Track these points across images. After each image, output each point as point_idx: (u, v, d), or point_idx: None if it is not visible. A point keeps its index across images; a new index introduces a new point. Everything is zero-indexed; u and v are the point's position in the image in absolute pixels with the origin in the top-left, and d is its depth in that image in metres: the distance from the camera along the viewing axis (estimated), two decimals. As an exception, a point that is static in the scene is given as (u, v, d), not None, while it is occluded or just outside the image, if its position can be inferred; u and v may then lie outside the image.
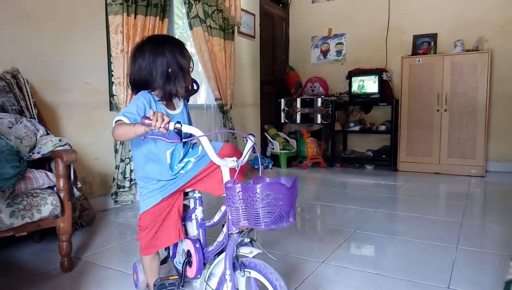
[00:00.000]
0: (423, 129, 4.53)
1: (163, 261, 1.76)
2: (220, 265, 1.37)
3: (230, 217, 1.20)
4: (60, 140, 2.01)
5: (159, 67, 1.38)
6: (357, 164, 5.09)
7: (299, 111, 5.18)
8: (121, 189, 3.09)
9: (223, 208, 1.45)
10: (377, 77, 4.72)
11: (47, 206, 1.80)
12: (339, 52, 5.47)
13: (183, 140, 1.25)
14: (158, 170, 1.45)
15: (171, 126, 1.16)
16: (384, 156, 4.83)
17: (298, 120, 5.23)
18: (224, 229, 1.40)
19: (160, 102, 1.42)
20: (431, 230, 2.48)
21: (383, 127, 4.86)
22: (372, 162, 4.97)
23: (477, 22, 4.50)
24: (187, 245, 1.57)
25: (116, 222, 2.76)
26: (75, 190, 2.05)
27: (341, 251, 2.15)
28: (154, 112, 1.14)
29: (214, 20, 3.98)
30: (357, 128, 5.02)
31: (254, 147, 1.33)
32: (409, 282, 1.75)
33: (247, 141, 1.34)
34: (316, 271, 1.88)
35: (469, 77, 4.27)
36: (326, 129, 5.20)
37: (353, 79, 4.88)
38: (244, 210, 1.14)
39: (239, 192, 1.14)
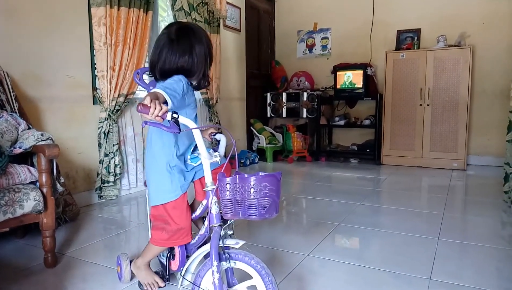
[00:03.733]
0: (406, 124, 4.60)
1: None
2: (198, 259, 1.40)
3: (220, 209, 1.23)
4: (42, 135, 1.97)
5: (201, 55, 1.40)
6: (342, 158, 5.14)
7: (285, 105, 5.20)
8: (106, 184, 3.06)
9: (204, 201, 1.47)
10: (361, 72, 4.76)
11: (30, 202, 1.77)
12: (324, 47, 5.50)
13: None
14: (166, 151, 1.44)
15: (169, 116, 1.15)
16: (368, 150, 4.89)
17: (284, 114, 5.25)
18: (206, 223, 1.41)
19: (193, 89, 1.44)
20: (414, 223, 2.54)
21: (367, 122, 4.92)
22: (356, 156, 5.03)
23: (460, 18, 4.57)
24: None
25: (100, 217, 2.74)
26: (58, 185, 2.03)
27: (326, 243, 2.18)
28: (151, 100, 1.09)
29: (199, 13, 3.95)
30: (342, 122, 5.07)
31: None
32: (392, 274, 1.79)
33: (234, 143, 1.36)
34: (301, 264, 1.90)
35: (451, 72, 4.35)
36: (312, 123, 5.23)
37: (338, 73, 4.91)
38: (238, 201, 1.17)
39: (235, 183, 1.16)
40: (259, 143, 5.14)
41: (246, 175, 1.18)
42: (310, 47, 5.60)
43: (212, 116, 4.30)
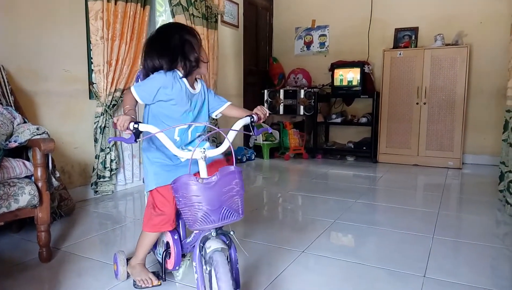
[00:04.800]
0: (403, 122, 4.61)
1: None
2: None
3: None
4: (37, 129, 1.96)
5: (175, 45, 1.48)
6: (338, 156, 5.15)
7: (282, 102, 5.19)
8: (101, 179, 3.05)
9: None
10: (359, 69, 4.76)
11: (25, 196, 1.76)
12: (322, 44, 5.49)
13: (138, 139, 1.32)
14: (150, 146, 1.54)
15: (131, 126, 1.27)
16: (364, 147, 4.90)
17: (281, 112, 5.24)
18: None
19: (184, 79, 1.50)
20: (409, 220, 2.55)
21: (364, 119, 4.92)
22: (353, 153, 5.03)
23: (457, 17, 4.58)
24: (166, 236, 1.59)
25: (96, 212, 2.73)
26: (53, 179, 2.02)
27: (321, 240, 2.19)
28: (118, 117, 1.28)
29: (197, 8, 3.93)
30: (338, 120, 5.07)
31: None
32: (387, 271, 1.80)
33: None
34: (297, 260, 1.91)
35: (448, 71, 4.35)
36: (309, 121, 5.23)
37: (336, 71, 4.91)
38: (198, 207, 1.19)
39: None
40: (256, 140, 5.13)
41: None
42: (308, 44, 5.60)
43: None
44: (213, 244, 1.21)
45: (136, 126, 1.27)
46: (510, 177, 2.58)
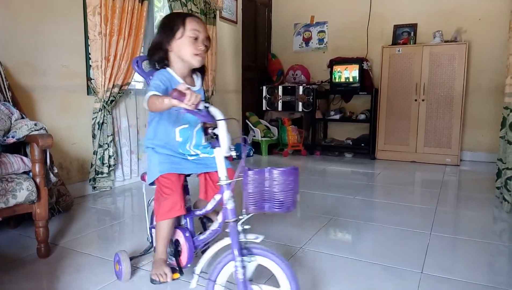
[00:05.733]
0: (401, 119, 4.61)
1: (146, 252, 1.75)
2: (209, 254, 1.33)
3: (244, 202, 1.20)
4: (35, 124, 1.95)
5: (170, 37, 1.45)
6: (336, 152, 5.15)
7: (280, 98, 5.19)
8: (100, 175, 3.05)
9: (217, 196, 1.44)
10: (357, 66, 4.76)
11: (23, 191, 1.76)
12: (321, 40, 5.48)
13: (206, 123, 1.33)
14: (167, 134, 1.51)
15: (201, 105, 1.20)
16: (363, 144, 4.91)
17: (280, 108, 5.24)
18: (219, 217, 1.41)
19: (175, 75, 1.49)
20: (407, 217, 2.56)
21: (362, 116, 4.92)
22: (351, 150, 5.04)
23: (456, 14, 4.58)
24: (176, 234, 1.55)
25: (94, 208, 2.73)
26: (51, 175, 2.01)
27: (320, 236, 2.19)
28: (188, 88, 1.18)
29: (195, 4, 3.92)
30: (337, 116, 5.07)
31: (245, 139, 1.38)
32: (384, 267, 1.80)
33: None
34: (295, 257, 1.91)
35: (447, 68, 4.36)
36: (307, 117, 5.23)
37: (334, 67, 4.91)
38: (264, 194, 1.19)
39: (259, 177, 1.19)
40: (254, 136, 5.13)
41: (258, 169, 1.20)
42: (307, 41, 5.59)
43: (207, 108, 4.28)
44: (258, 236, 1.25)
45: (207, 106, 1.24)
46: (508, 174, 2.59)
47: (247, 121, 5.23)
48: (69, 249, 2.00)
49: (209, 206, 1.48)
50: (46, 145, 1.82)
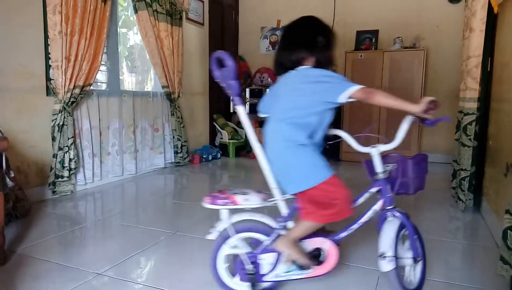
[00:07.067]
0: (364, 122, 4.75)
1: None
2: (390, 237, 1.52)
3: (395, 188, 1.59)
4: (-10, 126, 1.87)
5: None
6: (302, 154, 5.23)
7: (248, 101, 5.21)
8: (60, 179, 2.94)
9: (373, 189, 1.64)
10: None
11: (-24, 197, 1.68)
12: (287, 44, 5.55)
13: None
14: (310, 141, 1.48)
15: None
16: (327, 146, 5.00)
17: (247, 111, 5.26)
18: (376, 207, 1.61)
19: None
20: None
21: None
22: (316, 152, 5.13)
23: (415, 21, 4.78)
24: (315, 242, 1.53)
25: (54, 213, 2.63)
26: (7, 179, 1.93)
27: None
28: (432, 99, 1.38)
29: (160, 4, 3.87)
30: (303, 119, 5.14)
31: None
32: (344, 266, 1.85)
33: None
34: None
35: (406, 73, 4.54)
36: (274, 120, 5.27)
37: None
38: (414, 179, 1.61)
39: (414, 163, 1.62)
40: (222, 138, 5.13)
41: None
42: (273, 44, 5.65)
43: (173, 110, 4.24)
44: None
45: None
46: (462, 175, 2.73)
47: (214, 123, 5.21)
48: (27, 255, 1.92)
49: (361, 199, 1.65)
50: (1, 148, 1.75)
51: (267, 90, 5.04)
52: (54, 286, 1.62)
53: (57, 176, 2.93)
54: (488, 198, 2.59)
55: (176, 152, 4.31)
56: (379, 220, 1.59)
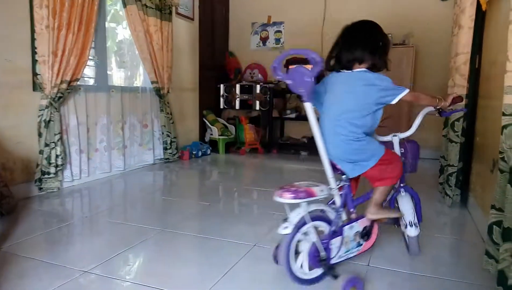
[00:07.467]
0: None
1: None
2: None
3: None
4: (-27, 122, 1.83)
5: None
6: (292, 150, 5.24)
7: (238, 97, 5.20)
8: (46, 176, 2.90)
9: None
10: (312, 66, 4.85)
11: (-42, 194, 1.64)
12: (277, 40, 5.55)
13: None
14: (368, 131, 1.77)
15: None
16: (318, 142, 5.02)
17: (237, 106, 5.25)
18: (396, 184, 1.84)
19: None
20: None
21: (317, 116, 5.03)
22: (306, 148, 5.15)
23: (406, 18, 4.80)
24: (364, 222, 1.72)
25: (40, 210, 2.60)
26: (-8, 176, 1.89)
27: (274, 233, 2.22)
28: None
29: (150, -1, 3.83)
30: (293, 115, 5.16)
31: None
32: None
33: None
34: (249, 253, 1.93)
35: (396, 69, 4.55)
36: (264, 116, 5.28)
37: (290, 67, 4.97)
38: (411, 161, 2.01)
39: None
40: (212, 134, 5.11)
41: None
42: (264, 40, 5.63)
43: (163, 106, 4.20)
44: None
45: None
46: (449, 170, 2.76)
47: (204, 119, 5.19)
48: (13, 253, 1.89)
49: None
50: (-15, 144, 1.71)
51: (257, 86, 5.04)
52: (40, 284, 1.60)
53: (43, 173, 2.89)
54: (474, 194, 2.62)
55: (165, 148, 4.28)
56: (391, 197, 1.91)
